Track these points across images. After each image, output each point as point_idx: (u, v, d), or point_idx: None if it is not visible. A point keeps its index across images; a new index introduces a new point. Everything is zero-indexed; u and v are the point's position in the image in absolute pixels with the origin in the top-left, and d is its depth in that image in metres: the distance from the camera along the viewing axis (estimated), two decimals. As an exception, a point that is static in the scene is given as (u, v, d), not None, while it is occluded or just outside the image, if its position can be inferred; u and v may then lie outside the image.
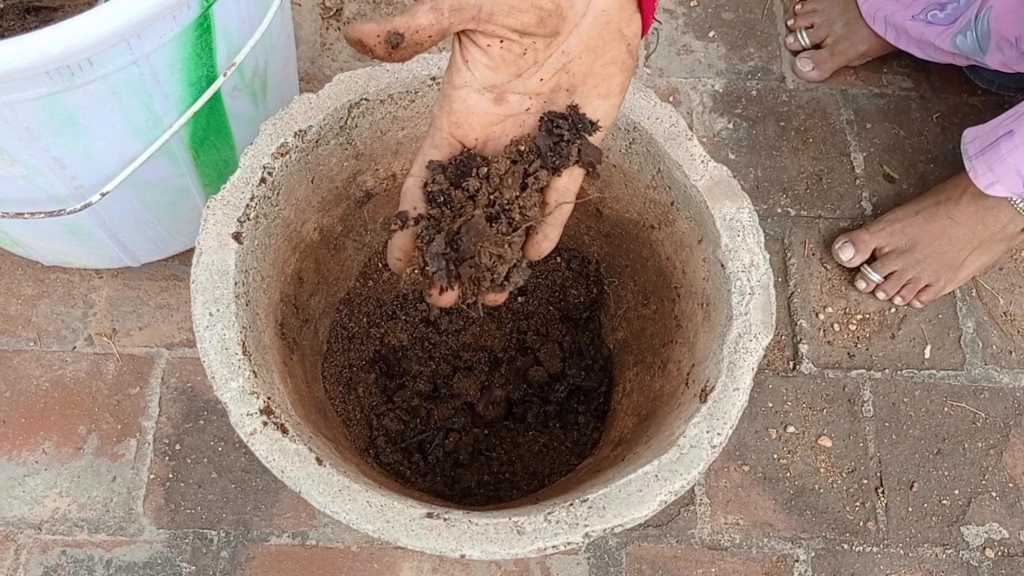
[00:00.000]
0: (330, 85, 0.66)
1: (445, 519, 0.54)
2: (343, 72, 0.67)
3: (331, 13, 1.07)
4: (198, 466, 0.84)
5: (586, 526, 0.55)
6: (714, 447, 0.57)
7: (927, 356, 0.94)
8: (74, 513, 0.82)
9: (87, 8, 0.91)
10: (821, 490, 0.87)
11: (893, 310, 0.96)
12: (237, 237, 0.60)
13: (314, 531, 0.83)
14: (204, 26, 0.62)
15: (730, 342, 0.60)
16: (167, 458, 0.84)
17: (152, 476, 0.84)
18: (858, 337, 0.94)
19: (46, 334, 0.88)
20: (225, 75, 0.67)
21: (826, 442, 0.89)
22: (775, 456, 0.89)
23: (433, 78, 0.67)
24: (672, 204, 0.68)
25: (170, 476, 0.84)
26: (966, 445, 0.90)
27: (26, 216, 0.68)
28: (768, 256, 0.62)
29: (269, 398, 0.57)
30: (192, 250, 0.91)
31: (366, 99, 0.66)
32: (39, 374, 0.87)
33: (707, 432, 0.57)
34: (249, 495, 0.84)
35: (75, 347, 0.88)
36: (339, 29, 1.06)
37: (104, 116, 0.62)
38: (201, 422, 0.86)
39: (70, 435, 0.85)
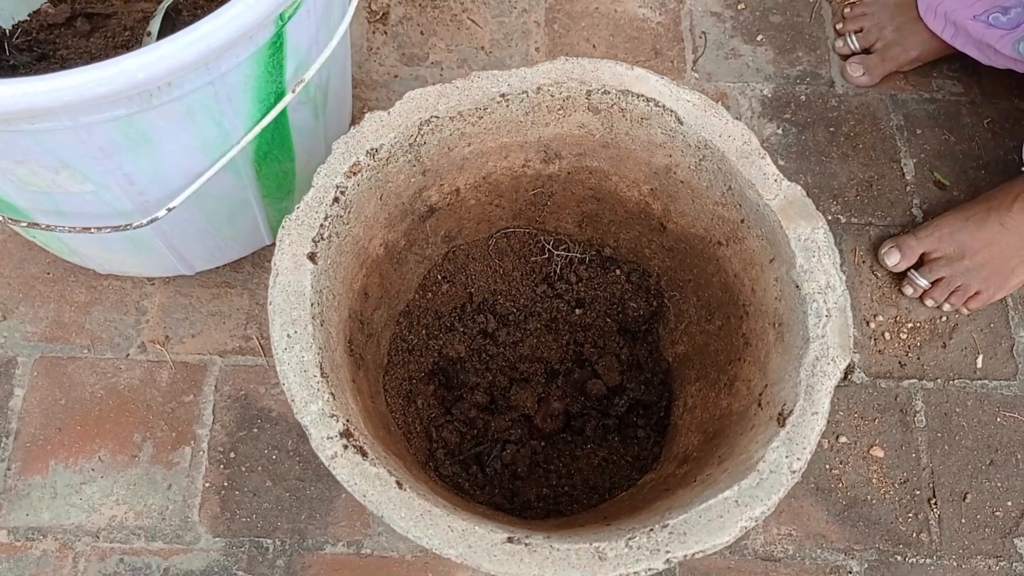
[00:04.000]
0: (401, 103, 0.65)
1: (526, 544, 0.54)
2: (412, 90, 0.66)
3: (377, 17, 1.06)
4: (253, 474, 0.85)
5: (667, 552, 0.55)
6: (794, 472, 0.57)
7: (979, 366, 0.93)
8: (131, 521, 0.82)
9: (141, 15, 0.90)
10: (874, 501, 0.87)
11: (944, 319, 0.95)
12: (312, 257, 0.60)
13: (369, 540, 0.83)
14: (277, 44, 0.62)
15: (807, 365, 0.60)
16: (222, 466, 0.85)
17: (207, 484, 0.84)
18: (909, 346, 0.94)
19: (100, 341, 0.88)
20: (293, 91, 0.66)
21: (878, 452, 0.89)
22: (827, 466, 0.88)
23: (503, 95, 0.67)
24: (743, 222, 0.67)
25: (225, 484, 0.84)
26: (1019, 456, 0.90)
27: (92, 231, 0.68)
28: (844, 277, 0.62)
29: (348, 420, 0.57)
30: (244, 259, 0.91)
31: (436, 116, 0.66)
32: (93, 381, 0.87)
33: (787, 457, 0.57)
34: (304, 504, 0.84)
35: (128, 354, 0.88)
36: (385, 33, 1.05)
37: (176, 134, 0.62)
38: (255, 430, 0.86)
39: (125, 443, 0.85)
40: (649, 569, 0.54)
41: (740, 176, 0.65)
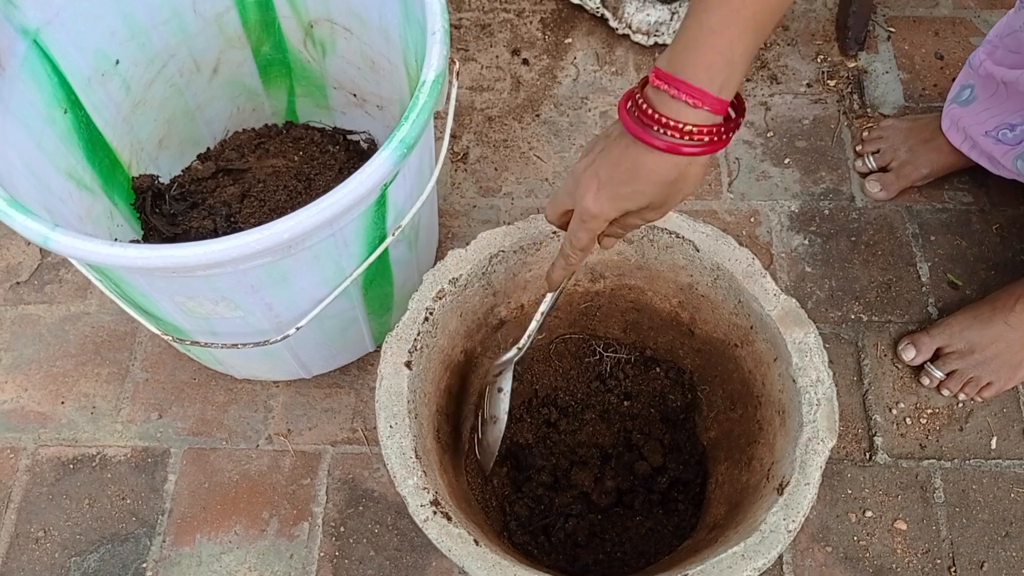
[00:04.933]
0: (475, 242, 0.84)
1: (576, 589, 0.70)
2: (483, 231, 0.85)
3: (459, 157, 1.27)
4: (359, 545, 1.01)
5: (687, 595, 0.69)
6: (789, 532, 0.71)
7: (993, 447, 1.04)
8: (261, 584, 1.00)
9: (271, 170, 1.12)
10: (898, 569, 0.98)
11: (960, 405, 1.07)
12: (408, 365, 0.78)
13: (455, 601, 0.98)
14: (381, 202, 0.81)
15: (801, 445, 0.74)
16: (334, 539, 1.02)
17: (322, 554, 1.01)
18: (929, 430, 1.06)
19: (235, 434, 1.08)
20: (393, 235, 0.86)
21: (901, 525, 1.01)
22: (855, 538, 1.00)
23: (554, 231, 0.85)
24: (751, 328, 0.83)
25: (336, 554, 1.01)
26: (1033, 529, 1.00)
27: (239, 347, 0.88)
28: (831, 373, 0.76)
29: (436, 492, 0.73)
30: (351, 364, 1.11)
31: (503, 251, 0.84)
32: (230, 468, 1.06)
33: (784, 520, 0.71)
34: (401, 570, 1.00)
35: (258, 445, 1.07)
36: (466, 170, 1.26)
37: (306, 273, 0.82)
38: (360, 508, 1.03)
39: (256, 519, 1.03)
40: (673, 610, 0.69)
41: (746, 292, 0.81)
